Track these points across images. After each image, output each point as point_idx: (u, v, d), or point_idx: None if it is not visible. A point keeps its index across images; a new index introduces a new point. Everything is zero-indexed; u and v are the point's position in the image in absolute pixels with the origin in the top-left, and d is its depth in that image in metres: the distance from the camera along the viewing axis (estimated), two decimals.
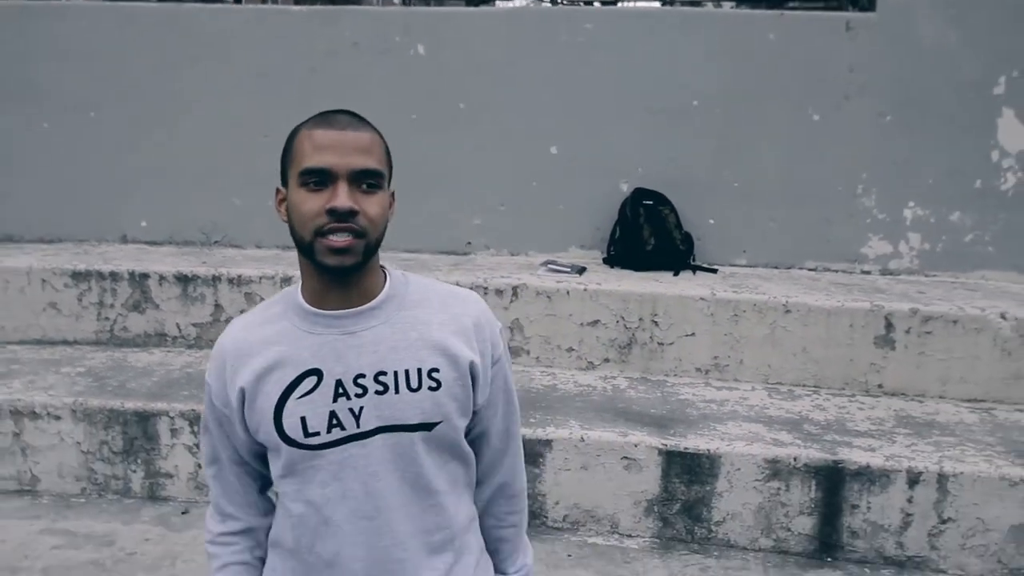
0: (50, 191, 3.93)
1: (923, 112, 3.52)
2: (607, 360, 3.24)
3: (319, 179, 1.20)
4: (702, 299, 3.18)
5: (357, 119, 1.26)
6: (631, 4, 5.51)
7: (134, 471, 2.81)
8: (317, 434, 1.23)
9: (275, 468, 1.29)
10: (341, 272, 1.22)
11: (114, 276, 3.37)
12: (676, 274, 3.54)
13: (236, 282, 3.34)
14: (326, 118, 1.25)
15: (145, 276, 3.36)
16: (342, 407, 1.24)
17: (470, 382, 1.30)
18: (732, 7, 5.31)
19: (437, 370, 1.27)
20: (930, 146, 3.53)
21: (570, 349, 3.25)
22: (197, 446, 2.75)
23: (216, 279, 3.34)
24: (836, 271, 3.67)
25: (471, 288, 3.22)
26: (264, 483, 1.38)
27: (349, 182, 1.19)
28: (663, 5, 5.30)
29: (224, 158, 3.85)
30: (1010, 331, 2.97)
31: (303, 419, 1.23)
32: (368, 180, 1.20)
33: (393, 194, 1.29)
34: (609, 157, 3.74)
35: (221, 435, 1.32)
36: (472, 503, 1.38)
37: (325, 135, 1.22)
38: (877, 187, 3.60)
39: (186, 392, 2.91)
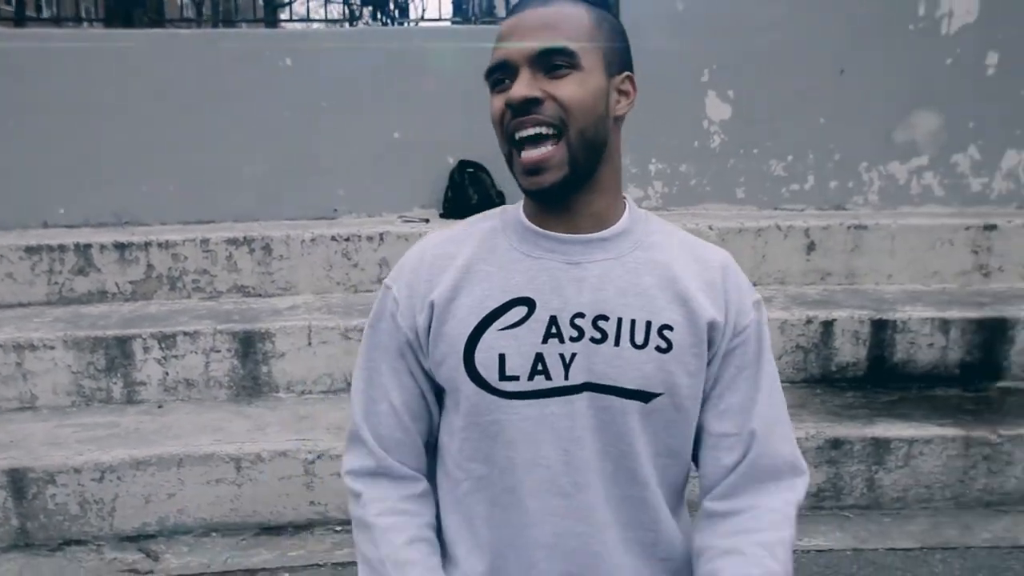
0: None
1: (658, 94, 4.98)
2: None
3: (502, 75, 1.05)
4: None
5: None
6: (446, 23, 6.72)
7: (115, 383, 3.77)
8: (516, 378, 1.05)
9: (449, 419, 1.11)
10: (545, 196, 1.06)
11: (61, 248, 4.25)
12: None
13: (164, 246, 4.32)
14: (515, 6, 1.08)
15: (88, 246, 4.27)
16: (551, 350, 1.05)
17: (706, 348, 1.09)
18: None
19: (671, 328, 1.07)
20: (665, 119, 5.00)
21: None
22: (165, 359, 3.76)
23: (148, 244, 4.30)
24: None
25: (340, 237, 4.36)
26: (429, 439, 1.18)
27: (532, 69, 1.02)
28: (455, 23, 6.62)
29: (131, 154, 4.77)
30: (716, 237, 4.46)
31: (502, 356, 1.05)
32: (555, 60, 1.02)
33: (629, 79, 1.12)
34: (439, 138, 4.97)
35: (398, 371, 1.12)
36: (689, 521, 1.16)
37: (505, 25, 1.06)
38: (630, 151, 5.04)
39: (146, 324, 3.89)
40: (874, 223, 4.54)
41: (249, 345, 3.80)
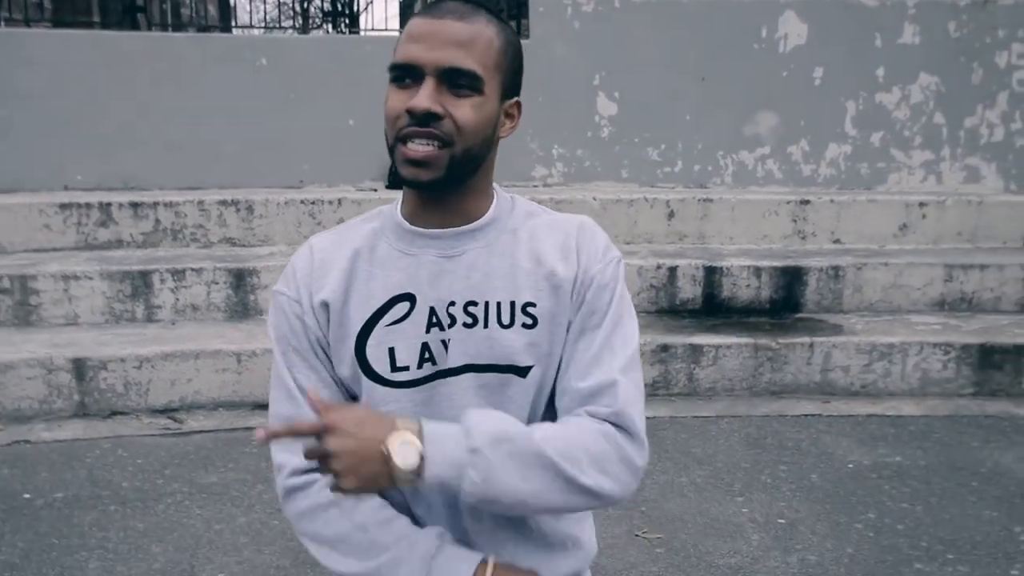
0: (6, 159, 5.83)
1: (560, 94, 6.31)
2: None
3: (406, 75, 1.09)
4: None
5: (470, 7, 1.11)
6: (392, 32, 7.97)
7: (138, 306, 4.98)
8: (406, 368, 1.13)
9: None
10: (420, 187, 1.11)
11: (88, 205, 5.43)
12: None
13: (169, 205, 5.52)
14: (433, 5, 1.11)
15: (109, 204, 5.45)
16: (434, 339, 1.13)
17: (568, 311, 1.15)
18: None
19: (533, 304, 1.14)
20: (565, 113, 6.31)
21: None
22: (176, 289, 4.97)
23: (156, 204, 5.50)
24: (518, 186, 6.40)
25: (307, 201, 5.60)
26: None
27: (438, 80, 1.07)
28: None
29: (135, 132, 5.94)
30: (598, 206, 5.81)
31: (391, 350, 1.13)
32: (460, 80, 1.07)
33: (517, 104, 1.18)
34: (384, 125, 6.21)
35: (315, 368, 1.18)
36: None
37: (421, 24, 1.09)
38: (538, 137, 6.35)
39: (159, 263, 5.09)
40: (719, 197, 5.94)
41: (240, 279, 5.03)
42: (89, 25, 7.31)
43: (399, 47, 1.11)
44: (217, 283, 5.01)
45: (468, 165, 1.11)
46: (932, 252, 5.66)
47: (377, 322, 1.13)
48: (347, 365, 1.16)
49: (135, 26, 6.44)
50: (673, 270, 5.25)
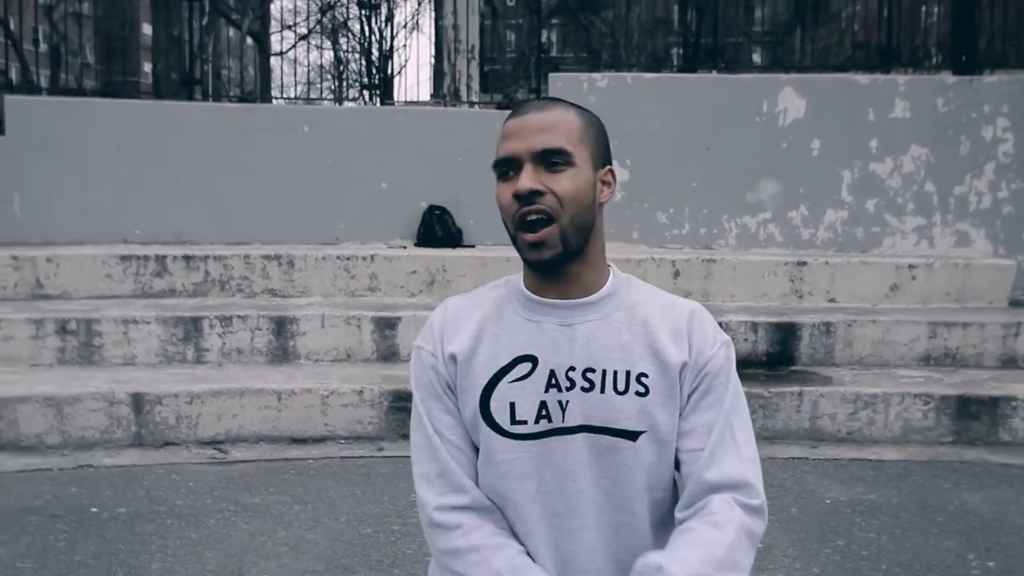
0: (74, 214, 6.45)
1: None
2: (421, 291, 6.27)
3: (508, 168, 1.24)
4: (467, 257, 6.30)
5: (549, 101, 1.29)
6: (423, 106, 8.59)
7: (188, 349, 5.50)
8: (524, 423, 1.24)
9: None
10: (543, 267, 1.24)
11: (145, 257, 6.01)
12: (453, 248, 6.65)
13: (218, 258, 6.08)
14: (517, 108, 1.27)
15: (164, 256, 6.03)
16: (552, 398, 1.24)
17: (678, 390, 1.27)
18: (479, 108, 8.62)
19: (646, 375, 1.25)
20: None
21: (401, 286, 6.26)
22: (223, 334, 5.50)
23: (206, 257, 6.07)
24: None
25: (342, 257, 6.14)
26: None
27: (534, 164, 1.21)
28: (430, 104, 8.53)
29: (188, 192, 6.55)
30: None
31: (512, 404, 1.24)
32: (552, 158, 1.21)
33: (611, 171, 1.31)
34: (414, 187, 6.79)
35: (450, 411, 1.30)
36: None
37: (510, 124, 1.25)
38: None
39: (208, 311, 5.63)
40: (722, 258, 6.42)
41: (281, 326, 5.56)
42: (136, 85, 8.00)
43: (498, 147, 1.26)
44: (260, 329, 5.54)
45: (579, 234, 1.24)
46: (920, 311, 6.08)
47: (502, 378, 1.25)
48: (469, 415, 1.27)
49: (190, 95, 7.11)
50: None
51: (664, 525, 1.29)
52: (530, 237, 1.21)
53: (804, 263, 6.39)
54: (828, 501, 4.24)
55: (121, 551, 3.55)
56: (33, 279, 5.90)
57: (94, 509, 3.97)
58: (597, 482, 1.24)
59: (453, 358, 1.28)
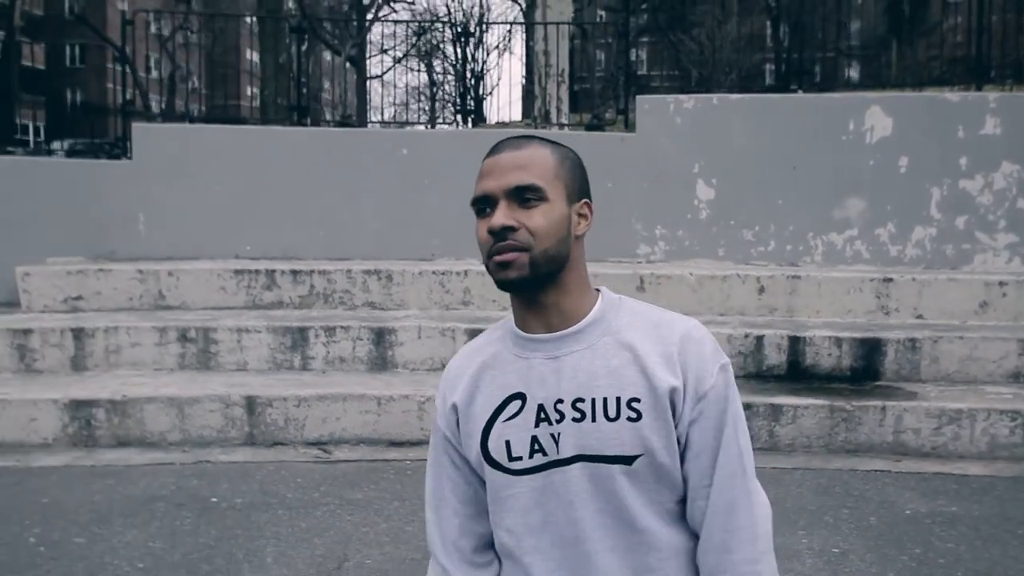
0: (192, 231, 6.96)
1: (663, 181, 7.04)
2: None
3: (484, 205, 1.28)
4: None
5: (523, 139, 1.31)
6: (515, 126, 9.00)
7: (295, 357, 5.90)
8: (520, 458, 1.28)
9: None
10: (511, 287, 1.26)
11: (256, 272, 6.46)
12: None
13: (322, 273, 6.49)
14: (494, 147, 1.31)
15: (273, 271, 6.47)
16: (543, 432, 1.27)
17: (670, 414, 1.26)
18: (568, 130, 8.90)
19: (638, 400, 1.25)
20: (668, 198, 7.02)
21: (493, 300, 6.55)
22: (327, 343, 5.88)
23: (311, 272, 6.48)
24: (624, 262, 7.12)
25: (437, 272, 6.47)
26: (485, 540, 1.39)
27: (508, 201, 1.25)
28: (522, 124, 8.85)
29: (295, 211, 7.00)
30: (694, 281, 6.45)
31: (507, 443, 1.29)
32: (525, 195, 1.24)
33: (587, 204, 1.33)
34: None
35: (448, 463, 1.37)
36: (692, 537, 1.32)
37: (486, 163, 1.30)
38: (643, 219, 7.08)
39: (313, 322, 6.03)
40: (807, 274, 6.51)
41: (380, 337, 5.91)
42: (238, 108, 8.56)
43: (476, 186, 1.30)
44: (361, 339, 5.90)
45: (551, 264, 1.26)
46: (1010, 328, 6.05)
47: (497, 418, 1.30)
48: (474, 455, 1.33)
49: (295, 120, 7.59)
50: (760, 339, 5.83)
51: (679, 521, 1.31)
52: (497, 258, 1.25)
53: (890, 279, 6.43)
54: (908, 512, 4.32)
55: (240, 536, 3.91)
56: (156, 291, 6.41)
57: (214, 499, 4.35)
58: (601, 508, 1.26)
59: (455, 408, 1.34)
